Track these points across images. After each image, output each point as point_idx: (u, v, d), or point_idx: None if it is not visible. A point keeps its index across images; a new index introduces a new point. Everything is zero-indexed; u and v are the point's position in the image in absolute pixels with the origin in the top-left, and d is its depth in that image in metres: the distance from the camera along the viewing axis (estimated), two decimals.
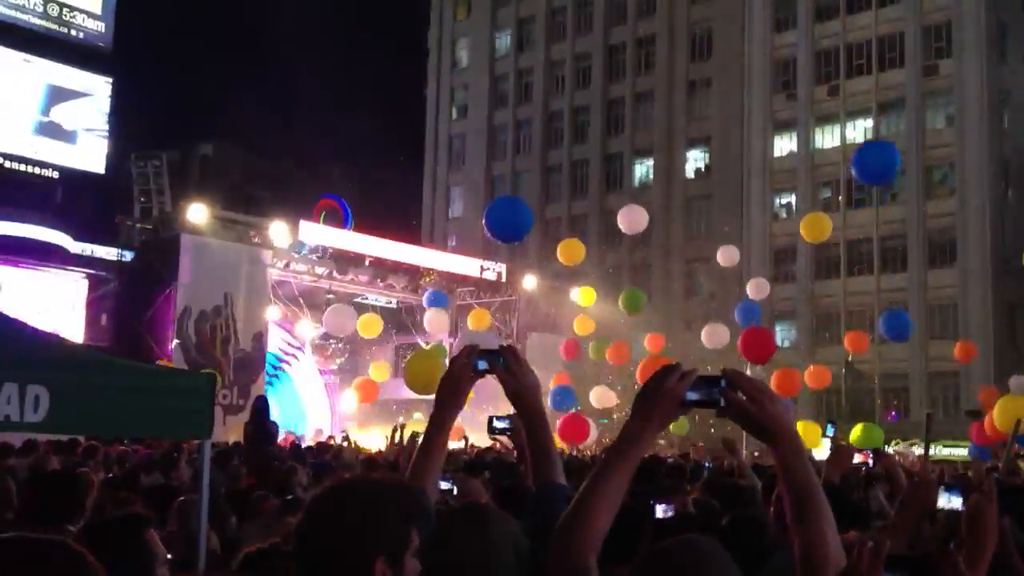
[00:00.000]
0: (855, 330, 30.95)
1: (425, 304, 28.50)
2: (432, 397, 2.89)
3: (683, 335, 36.27)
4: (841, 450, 5.53)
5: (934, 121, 47.97)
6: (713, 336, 21.96)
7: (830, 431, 22.67)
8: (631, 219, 20.65)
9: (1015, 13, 48.57)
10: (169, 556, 3.51)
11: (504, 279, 36.19)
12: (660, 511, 4.57)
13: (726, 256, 22.00)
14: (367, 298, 35.28)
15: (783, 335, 49.28)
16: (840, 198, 49.57)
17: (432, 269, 34.59)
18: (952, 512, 3.36)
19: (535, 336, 34.55)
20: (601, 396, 25.37)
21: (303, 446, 18.43)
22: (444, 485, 4.77)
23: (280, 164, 71.07)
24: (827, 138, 50.77)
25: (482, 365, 2.74)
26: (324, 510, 2.20)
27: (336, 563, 2.12)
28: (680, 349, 33.97)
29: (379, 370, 26.47)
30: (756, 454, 17.71)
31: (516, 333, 34.89)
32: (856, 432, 19.63)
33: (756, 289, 22.58)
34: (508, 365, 2.71)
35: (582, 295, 26.52)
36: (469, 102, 63.52)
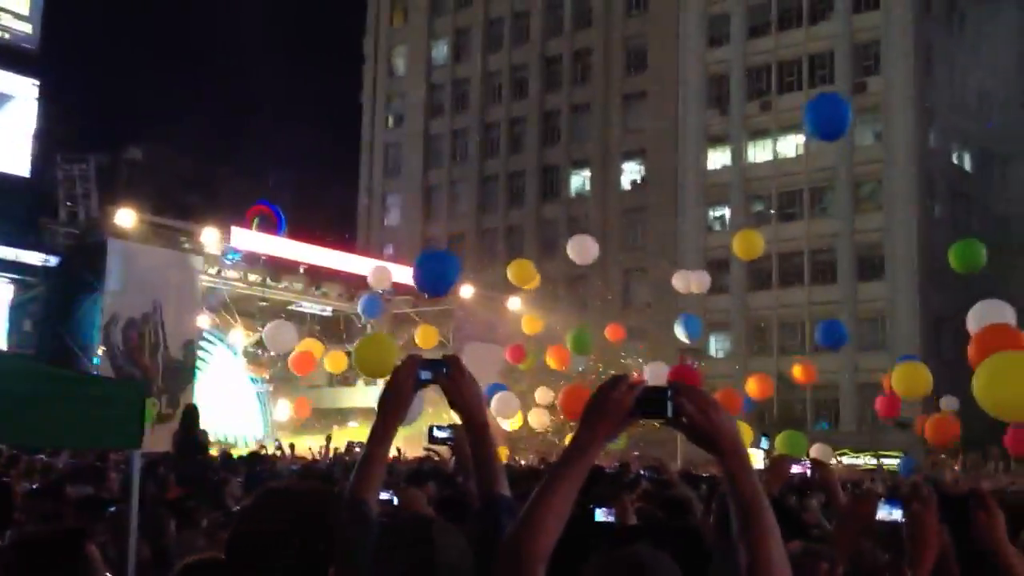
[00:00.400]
0: (798, 356, 31.36)
1: (360, 311, 28.16)
2: (366, 404, 2.83)
3: (619, 345, 36.33)
4: (779, 462, 5.52)
5: (863, 137, 48.92)
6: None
7: (764, 444, 22.92)
8: (581, 249, 20.57)
9: (941, 33, 49.86)
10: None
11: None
12: (601, 515, 4.51)
13: (682, 281, 21.71)
14: (301, 306, 34.89)
15: (718, 346, 49.88)
16: (772, 211, 50.34)
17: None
18: (890, 524, 3.36)
19: (473, 346, 34.39)
20: (544, 395, 25.38)
21: (235, 456, 18.04)
22: (384, 496, 4.67)
23: (212, 169, 69.98)
24: (759, 153, 51.55)
25: (425, 375, 2.71)
26: (251, 522, 2.27)
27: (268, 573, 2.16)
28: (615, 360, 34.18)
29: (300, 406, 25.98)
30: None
31: (452, 343, 34.72)
32: (780, 440, 19.89)
33: (693, 284, 22.15)
34: (452, 375, 2.68)
35: (526, 323, 26.43)
36: (405, 111, 63.28)
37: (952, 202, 49.45)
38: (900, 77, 47.42)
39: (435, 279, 12.40)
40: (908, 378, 14.59)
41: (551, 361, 24.72)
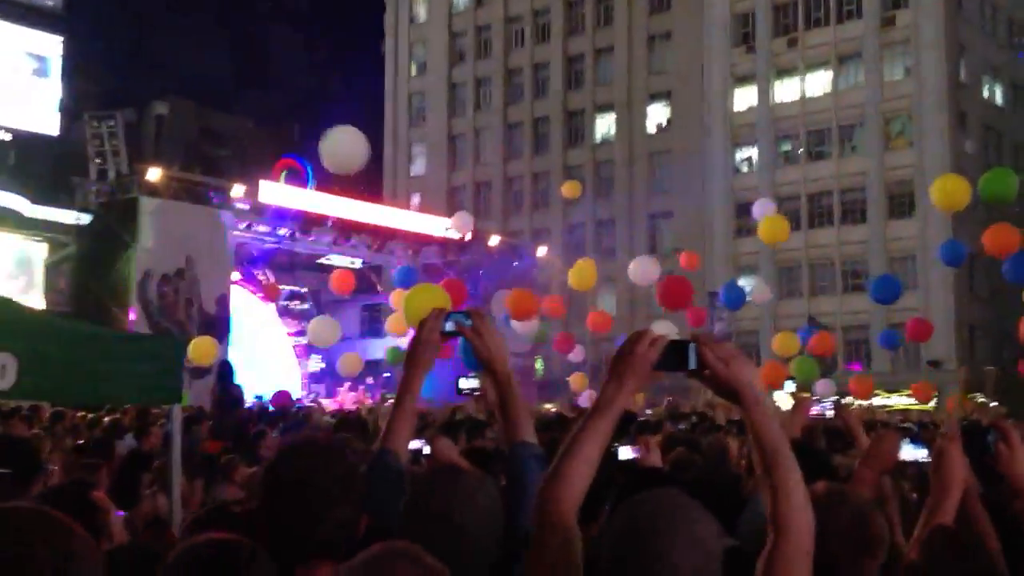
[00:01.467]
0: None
1: (394, 283, 27.52)
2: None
3: (647, 291, 36.35)
4: (800, 403, 5.52)
5: (893, 73, 48.16)
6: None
7: (790, 387, 22.86)
8: (643, 271, 20.01)
9: None
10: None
11: (470, 237, 36.03)
12: (624, 453, 4.55)
13: (635, 271, 20.50)
14: (330, 258, 35.12)
15: (747, 288, 49.65)
16: (800, 151, 49.81)
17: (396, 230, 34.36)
18: (917, 464, 3.39)
19: (501, 294, 34.49)
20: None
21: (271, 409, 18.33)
22: (416, 445, 4.77)
23: (238, 122, 70.08)
24: (787, 91, 50.82)
25: (450, 327, 2.78)
26: (284, 469, 2.36)
27: (305, 516, 2.27)
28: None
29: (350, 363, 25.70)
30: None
31: (483, 292, 34.83)
32: (792, 368, 19.84)
33: (642, 276, 20.90)
34: (476, 327, 2.73)
35: (574, 276, 23.86)
36: (428, 58, 62.86)
37: (984, 137, 48.70)
38: (930, 10, 46.48)
39: None
40: (949, 191, 13.65)
41: (591, 324, 23.90)
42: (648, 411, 15.41)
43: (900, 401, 37.92)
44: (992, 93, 50.44)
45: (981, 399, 34.26)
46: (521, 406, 2.76)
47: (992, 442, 2.96)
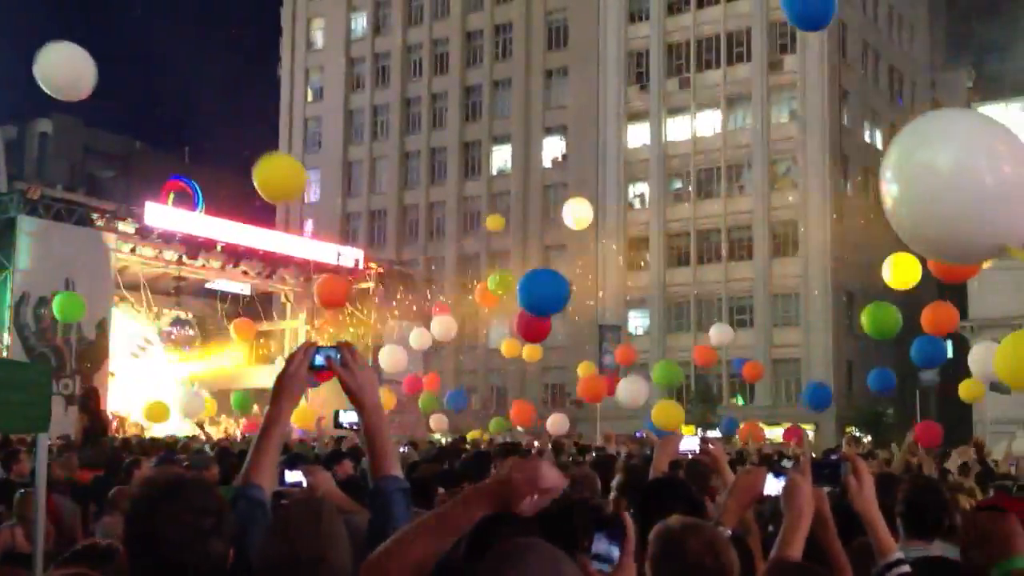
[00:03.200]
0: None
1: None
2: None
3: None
4: (668, 439, 5.61)
5: (779, 115, 49.75)
6: None
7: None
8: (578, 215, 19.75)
9: (856, 13, 50.85)
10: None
11: (361, 265, 35.77)
12: None
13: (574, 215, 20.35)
14: (218, 284, 34.39)
15: (637, 323, 50.50)
16: (690, 189, 50.96)
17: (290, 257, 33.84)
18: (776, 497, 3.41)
19: (394, 323, 34.28)
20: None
21: (148, 437, 17.76)
22: (294, 477, 4.70)
23: (125, 142, 68.31)
24: (678, 130, 52.01)
25: (319, 361, 2.80)
26: (147, 506, 2.39)
27: (166, 548, 2.31)
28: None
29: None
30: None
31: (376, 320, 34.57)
32: (656, 371, 20.05)
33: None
34: (345, 362, 2.77)
35: (495, 280, 23.63)
36: (325, 84, 62.47)
37: (864, 179, 50.68)
38: (815, 55, 48.25)
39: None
40: (902, 270, 14.06)
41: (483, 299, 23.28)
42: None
43: (780, 434, 38.83)
44: (873, 137, 52.56)
45: (856, 432, 35.39)
46: (387, 440, 2.78)
47: (843, 474, 3.01)
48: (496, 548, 2.12)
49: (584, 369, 22.28)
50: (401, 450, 12.24)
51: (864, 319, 14.52)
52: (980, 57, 55.04)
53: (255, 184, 10.39)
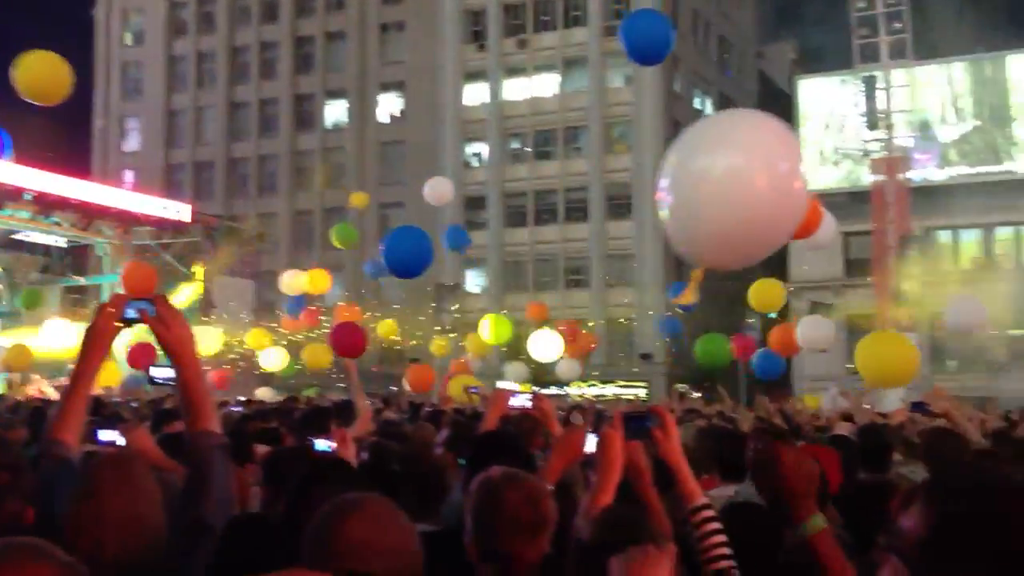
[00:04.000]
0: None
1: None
2: None
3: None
4: (498, 395, 5.71)
5: (614, 80, 50.32)
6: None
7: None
8: (439, 192, 19.41)
9: None
10: None
11: (189, 219, 34.03)
12: (321, 445, 4.67)
13: (431, 191, 20.08)
14: (30, 236, 32.07)
15: (475, 281, 50.42)
16: (528, 150, 51.07)
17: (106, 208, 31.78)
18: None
19: (222, 280, 32.87)
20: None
21: None
22: (109, 436, 4.66)
23: None
24: (516, 90, 51.94)
25: (131, 314, 2.74)
26: None
27: None
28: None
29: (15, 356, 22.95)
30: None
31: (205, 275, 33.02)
32: (486, 326, 20.07)
33: (440, 196, 20.61)
34: (160, 315, 2.71)
35: (311, 282, 22.78)
36: (145, 27, 59.24)
37: None
38: None
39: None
40: (764, 293, 14.85)
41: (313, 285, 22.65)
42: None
43: (614, 391, 39.80)
44: (703, 105, 53.89)
45: (684, 389, 36.41)
46: (205, 395, 2.74)
47: (650, 427, 3.11)
48: (331, 502, 2.12)
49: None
50: (235, 409, 11.80)
51: (697, 351, 15.62)
52: (804, 30, 57.18)
53: (16, 83, 9.89)
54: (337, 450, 4.52)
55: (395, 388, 20.51)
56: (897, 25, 36.71)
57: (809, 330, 15.04)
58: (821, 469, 3.37)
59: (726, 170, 4.47)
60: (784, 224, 4.60)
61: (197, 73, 58.17)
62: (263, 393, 23.35)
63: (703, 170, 4.57)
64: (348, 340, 12.26)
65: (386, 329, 24.52)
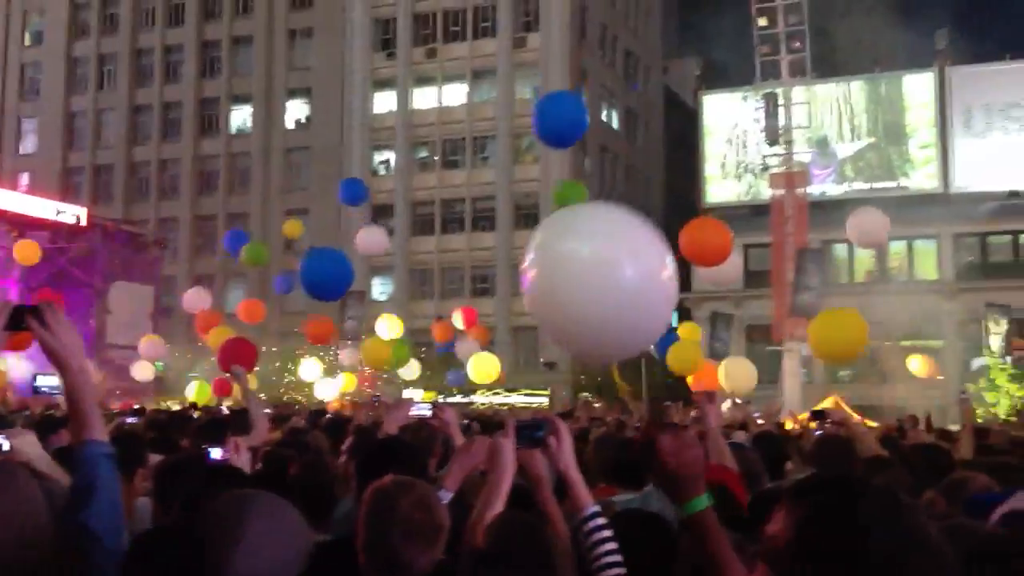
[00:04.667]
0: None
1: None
2: None
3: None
4: (399, 402, 5.96)
5: (522, 91, 50.68)
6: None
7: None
8: (371, 242, 18.88)
9: None
10: None
11: (85, 223, 33.21)
12: (216, 453, 4.65)
13: (366, 243, 19.53)
14: None
15: (380, 289, 50.18)
16: (436, 159, 51.10)
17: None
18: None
19: (119, 285, 32.12)
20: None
21: None
22: None
23: None
24: (425, 100, 51.96)
25: (13, 320, 2.64)
26: None
27: None
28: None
29: None
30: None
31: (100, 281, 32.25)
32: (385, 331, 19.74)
33: (367, 243, 20.52)
34: (46, 321, 2.61)
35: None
36: (46, 28, 57.67)
37: (601, 157, 52.62)
38: (556, 36, 49.47)
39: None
40: (682, 358, 14.53)
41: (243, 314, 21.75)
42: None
43: (518, 400, 40.01)
44: (610, 118, 54.63)
45: (587, 397, 36.81)
46: (91, 403, 2.66)
47: (542, 436, 3.10)
48: (213, 503, 2.11)
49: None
50: (130, 420, 11.55)
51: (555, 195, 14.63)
52: (708, 47, 58.46)
53: None
54: (231, 459, 4.50)
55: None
56: (797, 44, 37.74)
57: (733, 369, 14.90)
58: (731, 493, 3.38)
59: (593, 258, 4.33)
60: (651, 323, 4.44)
61: (98, 75, 56.87)
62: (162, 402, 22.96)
63: (567, 257, 4.41)
64: (236, 357, 11.97)
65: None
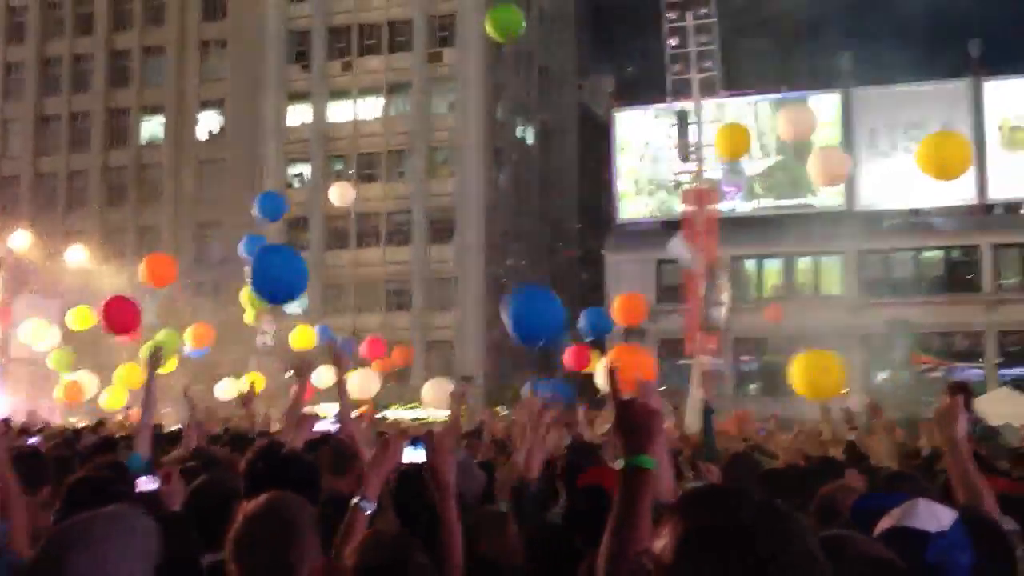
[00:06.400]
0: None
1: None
2: None
3: (193, 300, 35.06)
4: (304, 418, 5.66)
5: (439, 106, 50.86)
6: None
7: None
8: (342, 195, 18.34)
9: None
10: None
11: None
12: (143, 484, 4.38)
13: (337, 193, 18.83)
14: None
15: (295, 303, 49.61)
16: (352, 172, 50.89)
17: None
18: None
19: (29, 298, 31.31)
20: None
21: None
22: None
23: None
24: (340, 113, 51.77)
25: None
26: None
27: None
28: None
29: None
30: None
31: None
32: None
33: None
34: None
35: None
36: None
37: (515, 172, 53.00)
38: (472, 51, 49.74)
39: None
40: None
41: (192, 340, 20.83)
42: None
43: (429, 414, 39.82)
44: (524, 133, 55.08)
45: (503, 411, 36.90)
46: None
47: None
48: (64, 525, 2.16)
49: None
50: (32, 440, 11.28)
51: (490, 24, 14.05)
52: (621, 64, 59.39)
53: None
54: (161, 490, 4.30)
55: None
56: (708, 63, 38.57)
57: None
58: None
59: None
60: None
61: (4, 84, 55.36)
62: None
63: None
64: (120, 317, 11.81)
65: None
